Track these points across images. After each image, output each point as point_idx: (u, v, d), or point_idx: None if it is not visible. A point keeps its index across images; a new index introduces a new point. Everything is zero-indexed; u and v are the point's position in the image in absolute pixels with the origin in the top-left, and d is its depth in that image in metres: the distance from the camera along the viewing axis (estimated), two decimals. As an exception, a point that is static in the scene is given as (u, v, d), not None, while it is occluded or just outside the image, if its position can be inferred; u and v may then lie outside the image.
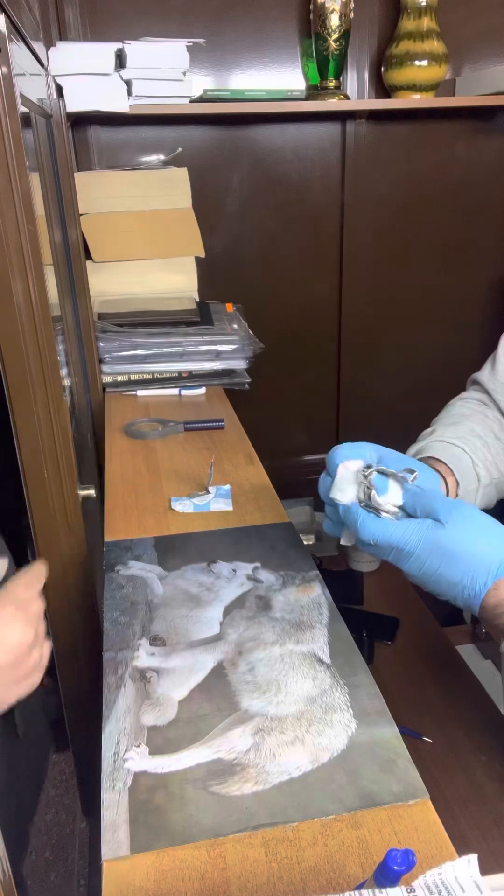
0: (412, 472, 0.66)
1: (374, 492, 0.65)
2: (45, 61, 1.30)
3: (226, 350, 1.48)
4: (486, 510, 0.85)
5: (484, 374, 0.97)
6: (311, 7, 1.54)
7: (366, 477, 0.66)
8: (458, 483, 0.81)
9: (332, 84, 1.60)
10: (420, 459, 0.81)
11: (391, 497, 0.65)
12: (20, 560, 0.86)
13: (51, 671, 0.86)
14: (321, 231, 1.85)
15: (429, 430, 0.90)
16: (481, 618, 0.63)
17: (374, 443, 0.74)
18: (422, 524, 0.62)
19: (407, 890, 0.33)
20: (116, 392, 1.48)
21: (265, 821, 0.52)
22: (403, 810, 0.53)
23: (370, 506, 0.65)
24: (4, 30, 0.64)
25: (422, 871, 0.34)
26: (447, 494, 0.78)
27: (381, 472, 0.66)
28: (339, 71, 1.59)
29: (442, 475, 0.79)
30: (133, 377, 1.48)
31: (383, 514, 0.64)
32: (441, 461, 0.81)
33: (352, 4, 1.52)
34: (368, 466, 0.68)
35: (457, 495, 0.81)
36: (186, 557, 0.85)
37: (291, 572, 0.81)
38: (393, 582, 1.71)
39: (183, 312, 1.53)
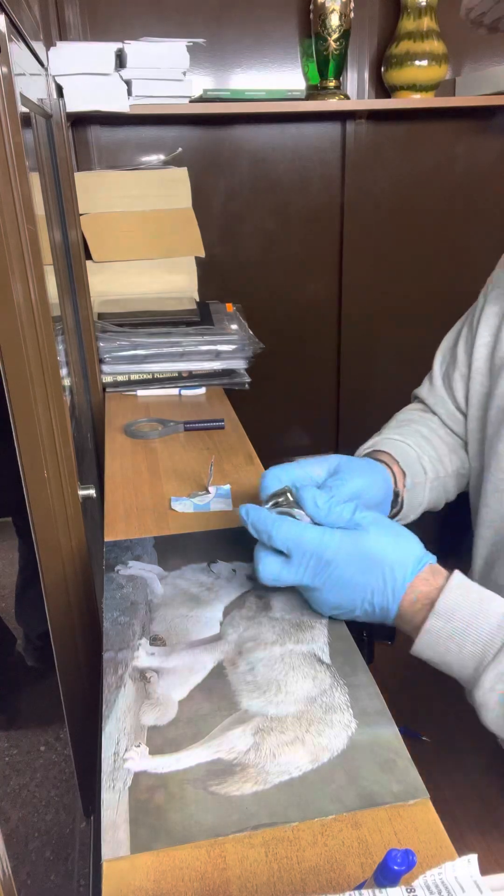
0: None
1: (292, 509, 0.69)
2: (45, 61, 1.30)
3: (226, 350, 1.48)
4: (435, 509, 0.92)
5: (423, 390, 1.03)
6: (311, 7, 1.54)
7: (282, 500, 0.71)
8: (404, 473, 0.84)
9: (332, 84, 1.60)
10: (366, 454, 0.86)
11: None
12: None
13: (51, 670, 0.86)
14: (321, 231, 1.85)
15: (375, 434, 0.94)
16: (398, 624, 0.65)
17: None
18: (336, 530, 0.65)
19: (407, 890, 0.33)
20: (116, 392, 1.48)
21: (265, 821, 0.52)
22: (403, 810, 0.53)
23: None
24: (4, 30, 0.64)
25: (422, 871, 0.34)
26: (394, 483, 0.82)
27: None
28: (339, 71, 1.59)
29: (387, 464, 0.82)
30: (133, 377, 1.48)
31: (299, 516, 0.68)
32: (386, 452, 0.85)
33: (352, 4, 1.52)
34: (281, 494, 0.71)
35: (404, 486, 0.84)
36: (186, 557, 0.85)
37: (291, 572, 0.81)
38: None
39: (183, 312, 1.53)
